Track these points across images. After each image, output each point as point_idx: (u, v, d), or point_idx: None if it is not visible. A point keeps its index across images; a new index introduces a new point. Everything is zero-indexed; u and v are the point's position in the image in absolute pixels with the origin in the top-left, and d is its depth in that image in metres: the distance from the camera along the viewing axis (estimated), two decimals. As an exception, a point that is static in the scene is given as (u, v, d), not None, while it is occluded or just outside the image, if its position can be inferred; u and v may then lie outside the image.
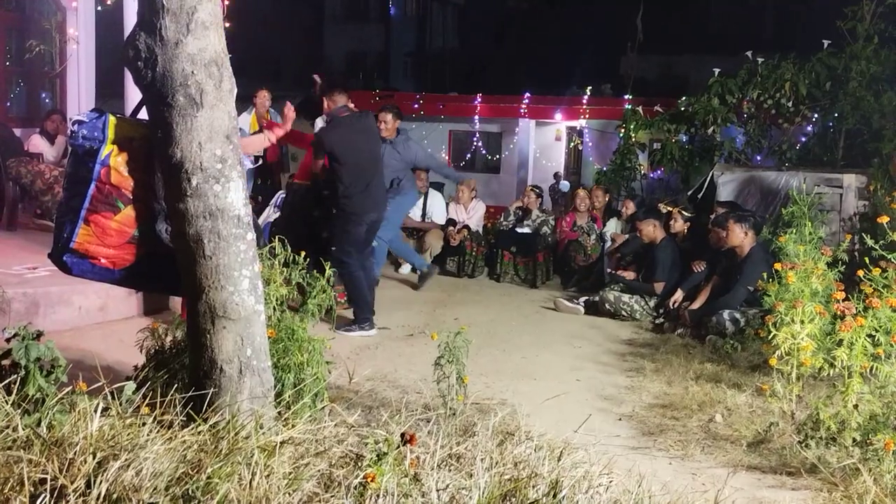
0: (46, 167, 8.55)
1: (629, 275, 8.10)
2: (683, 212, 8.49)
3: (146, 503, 2.41)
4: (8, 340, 3.18)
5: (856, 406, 4.01)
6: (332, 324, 5.91)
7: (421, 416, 3.84)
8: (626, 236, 8.97)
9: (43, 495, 2.37)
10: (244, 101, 9.37)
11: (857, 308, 4.21)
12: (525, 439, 3.44)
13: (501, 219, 10.09)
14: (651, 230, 8.03)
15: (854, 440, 3.96)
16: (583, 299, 8.09)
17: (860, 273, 4.70)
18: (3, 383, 3.04)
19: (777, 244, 6.26)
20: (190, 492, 2.51)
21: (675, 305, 7.42)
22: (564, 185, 16.94)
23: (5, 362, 3.21)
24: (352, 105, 7.04)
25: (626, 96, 13.79)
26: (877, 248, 4.81)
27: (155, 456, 2.62)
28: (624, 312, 7.74)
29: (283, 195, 9.61)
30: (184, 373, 3.58)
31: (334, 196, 6.80)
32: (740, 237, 6.99)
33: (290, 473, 2.77)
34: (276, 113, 10.67)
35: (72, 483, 2.44)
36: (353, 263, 6.74)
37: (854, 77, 9.24)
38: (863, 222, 7.83)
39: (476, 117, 15.88)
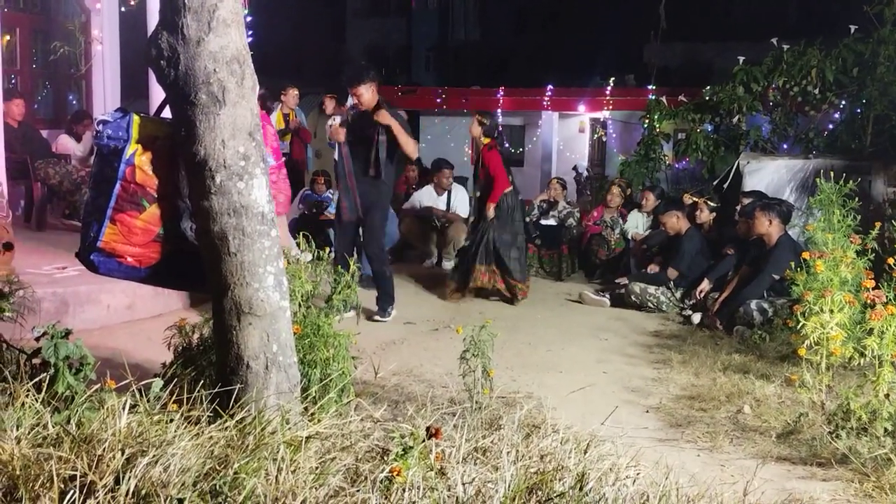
0: (74, 168, 8.65)
1: (652, 268, 8.06)
2: (709, 202, 8.42)
3: (174, 499, 2.43)
4: (38, 339, 3.23)
5: (887, 395, 3.96)
6: (358, 318, 5.97)
7: (447, 410, 3.85)
8: (646, 233, 8.93)
9: (72, 492, 2.40)
10: (272, 98, 9.42)
11: (887, 296, 4.16)
12: (551, 432, 3.43)
13: (525, 211, 10.06)
14: (675, 221, 7.99)
15: (885, 430, 3.91)
16: (608, 291, 8.06)
17: (891, 261, 4.63)
18: (33, 381, 3.08)
19: (805, 232, 6.20)
20: (217, 487, 2.52)
21: (703, 295, 7.37)
22: (581, 164, 16.72)
23: (35, 361, 3.26)
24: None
25: (650, 86, 13.67)
26: (906, 235, 4.75)
27: (182, 452, 2.64)
28: (650, 304, 7.69)
29: (308, 192, 9.68)
30: (211, 369, 3.60)
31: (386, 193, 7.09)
32: (765, 225, 6.93)
33: (316, 468, 2.78)
34: (301, 111, 10.72)
35: (101, 479, 2.46)
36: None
37: (882, 62, 9.08)
38: (892, 209, 7.72)
39: (499, 110, 15.82)
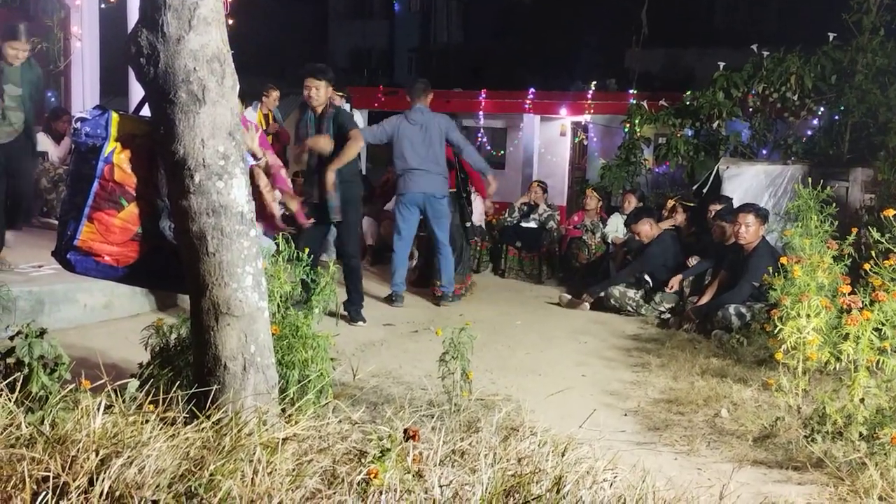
0: (51, 165, 8.57)
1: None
2: (684, 202, 8.47)
3: (149, 500, 2.41)
4: (12, 338, 3.19)
5: (862, 400, 3.99)
6: (337, 319, 5.94)
7: (425, 413, 3.84)
8: (626, 237, 8.97)
9: (45, 493, 2.37)
10: (252, 97, 9.39)
11: (863, 302, 4.19)
12: (529, 435, 3.43)
13: (506, 214, 10.07)
14: (647, 229, 8.02)
15: (860, 434, 3.94)
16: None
17: (867, 266, 4.67)
18: (6, 381, 3.04)
19: (783, 238, 6.24)
20: (192, 489, 2.51)
21: (672, 290, 7.40)
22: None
23: (9, 360, 3.22)
24: None
25: (631, 91, 13.73)
26: (883, 241, 4.78)
27: (158, 453, 2.61)
28: (629, 308, 7.72)
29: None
30: (188, 370, 3.57)
31: None
32: (751, 230, 6.90)
33: (293, 470, 2.76)
34: (279, 112, 10.68)
35: (74, 480, 2.43)
36: None
37: (860, 70, 9.18)
38: (869, 215, 7.79)
39: (480, 113, 15.82)
